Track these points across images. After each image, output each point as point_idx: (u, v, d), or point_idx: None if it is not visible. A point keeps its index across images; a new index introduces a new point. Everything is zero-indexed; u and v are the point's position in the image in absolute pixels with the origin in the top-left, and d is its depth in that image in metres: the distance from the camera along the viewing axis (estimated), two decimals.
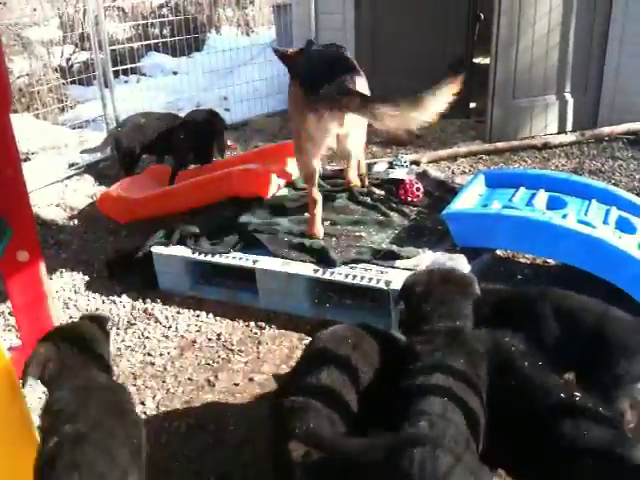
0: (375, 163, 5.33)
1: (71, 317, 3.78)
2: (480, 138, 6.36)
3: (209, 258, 3.91)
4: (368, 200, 4.37)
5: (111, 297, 4.00)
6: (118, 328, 3.68)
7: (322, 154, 3.91)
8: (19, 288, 3.11)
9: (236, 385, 3.17)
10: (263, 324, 3.65)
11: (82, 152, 5.94)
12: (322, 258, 3.67)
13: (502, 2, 5.88)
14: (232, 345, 3.50)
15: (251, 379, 3.21)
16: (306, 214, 4.19)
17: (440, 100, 3.41)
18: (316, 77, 3.68)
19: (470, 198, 3.89)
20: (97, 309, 3.88)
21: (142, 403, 3.07)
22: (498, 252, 4.03)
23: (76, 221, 5.12)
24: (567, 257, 3.47)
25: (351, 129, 3.87)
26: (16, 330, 3.59)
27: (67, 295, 4.05)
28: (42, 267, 3.14)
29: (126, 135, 5.53)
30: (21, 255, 3.06)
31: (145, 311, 3.86)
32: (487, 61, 6.65)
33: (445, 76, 3.39)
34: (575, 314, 2.49)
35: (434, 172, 4.86)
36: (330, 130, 3.72)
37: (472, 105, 7.24)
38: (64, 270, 4.33)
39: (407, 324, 2.59)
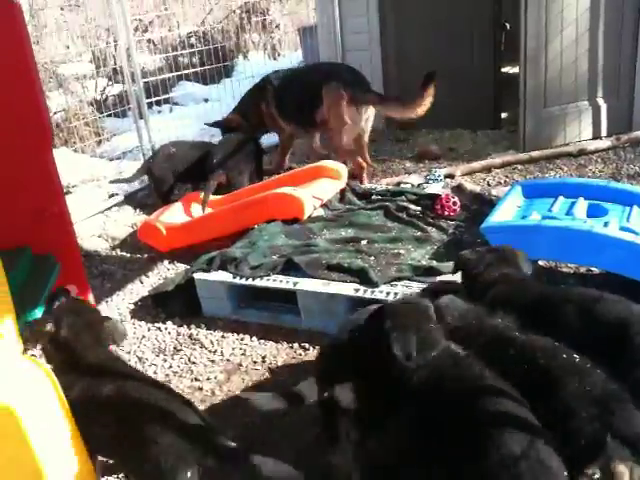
0: (408, 178, 5.34)
1: (118, 346, 3.85)
2: (514, 148, 6.33)
3: (250, 282, 3.95)
4: (404, 216, 4.38)
5: (156, 324, 4.06)
6: (165, 354, 3.74)
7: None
8: None
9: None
10: (307, 345, 3.66)
11: (112, 182, 6.09)
12: (362, 278, 3.68)
13: (528, 11, 5.88)
14: (277, 367, 3.52)
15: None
16: (342, 233, 4.21)
17: (425, 102, 5.34)
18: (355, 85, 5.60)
19: (508, 210, 3.87)
20: (143, 337, 3.95)
21: None
22: (540, 262, 3.99)
23: (118, 251, 5.23)
24: (611, 265, 3.42)
25: (370, 115, 5.76)
26: None
27: None
28: (90, 299, 3.23)
29: (158, 165, 5.69)
30: (69, 289, 3.15)
31: (190, 337, 3.91)
32: (516, 70, 6.64)
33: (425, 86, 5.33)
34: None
35: (470, 185, 4.86)
36: (363, 117, 5.66)
37: (503, 115, 7.23)
38: (109, 300, 4.42)
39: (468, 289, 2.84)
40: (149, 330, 4.04)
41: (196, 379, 3.51)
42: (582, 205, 3.74)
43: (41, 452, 2.39)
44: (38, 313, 2.54)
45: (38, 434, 2.38)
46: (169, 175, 5.73)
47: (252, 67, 8.61)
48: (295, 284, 3.81)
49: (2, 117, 2.14)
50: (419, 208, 4.49)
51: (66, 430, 2.41)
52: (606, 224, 3.46)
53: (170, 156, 5.80)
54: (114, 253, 5.21)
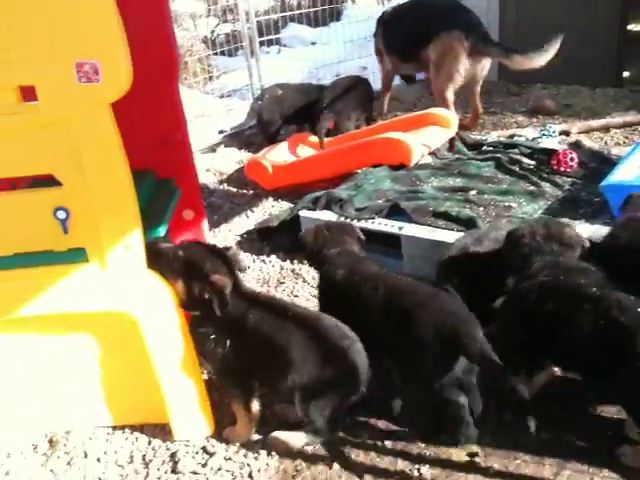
0: (522, 131, 5.16)
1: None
2: (635, 108, 5.96)
3: (354, 223, 3.96)
4: (517, 169, 4.25)
5: (261, 257, 4.18)
6: (269, 285, 3.85)
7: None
8: None
9: None
10: None
11: (230, 129, 6.23)
12: (470, 228, 3.62)
13: None
14: None
15: None
16: (450, 181, 4.14)
17: (548, 57, 5.17)
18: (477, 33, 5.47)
19: (631, 169, 3.68)
20: (248, 267, 4.07)
21: None
22: None
23: (225, 185, 5.38)
24: None
25: (485, 65, 5.67)
26: None
27: None
28: (205, 225, 3.35)
29: (267, 108, 5.79)
30: (187, 214, 3.29)
31: (293, 271, 4.00)
32: None
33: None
34: None
35: (588, 142, 4.64)
36: (478, 68, 5.63)
37: (625, 74, 6.81)
38: (217, 231, 4.58)
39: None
40: (254, 262, 4.16)
41: None
42: None
43: (158, 361, 2.55)
44: (161, 231, 2.66)
45: (156, 344, 2.53)
46: (276, 117, 5.82)
47: (361, 11, 8.46)
48: (400, 229, 3.79)
49: (137, 49, 2.20)
50: (533, 162, 4.34)
51: (182, 342, 2.54)
52: None
53: (277, 98, 5.87)
54: (221, 187, 5.36)
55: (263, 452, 2.59)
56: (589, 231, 3.43)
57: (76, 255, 2.40)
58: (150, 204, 2.81)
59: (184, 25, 8.53)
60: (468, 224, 3.65)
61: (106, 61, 2.11)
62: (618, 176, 3.60)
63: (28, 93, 2.18)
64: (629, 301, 2.28)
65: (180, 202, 3.10)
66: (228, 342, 2.52)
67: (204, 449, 2.64)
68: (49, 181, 2.35)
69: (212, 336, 2.54)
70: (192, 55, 7.48)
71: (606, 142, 5.33)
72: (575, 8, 6.64)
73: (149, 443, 2.72)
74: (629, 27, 7.06)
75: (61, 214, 2.30)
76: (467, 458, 2.45)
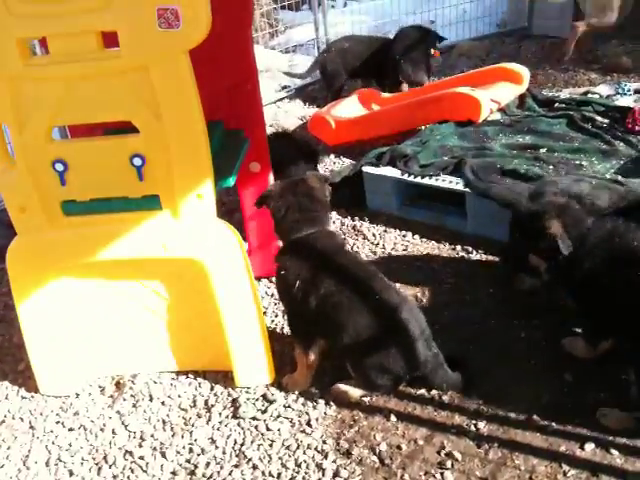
0: (596, 89, 4.97)
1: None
2: None
3: (419, 180, 3.94)
4: (590, 127, 4.12)
5: None
6: None
7: None
8: (250, 197, 3.36)
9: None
10: (470, 248, 3.64)
11: (289, 75, 6.19)
12: None
13: None
14: (437, 264, 3.54)
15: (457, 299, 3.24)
16: (519, 139, 4.06)
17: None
18: None
19: None
20: None
21: None
22: None
23: None
24: None
25: None
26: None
27: None
28: (271, 178, 3.37)
29: (331, 60, 5.73)
30: (254, 166, 3.32)
31: (354, 228, 4.01)
32: None
33: None
34: None
35: None
36: None
37: None
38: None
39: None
40: None
41: None
42: None
43: (225, 309, 2.63)
44: (231, 182, 2.69)
45: (224, 292, 2.60)
46: (341, 70, 5.74)
47: None
48: (465, 185, 3.74)
49: None
50: (607, 120, 4.19)
51: (249, 291, 2.61)
52: None
53: (343, 51, 5.78)
54: None
55: (321, 401, 2.66)
56: None
57: (150, 202, 2.47)
58: (220, 154, 2.83)
59: None
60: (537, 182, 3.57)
61: (186, 7, 2.13)
62: None
63: (109, 40, 2.23)
64: None
65: (248, 154, 3.12)
66: (297, 283, 2.58)
67: (264, 397, 2.73)
68: (120, 130, 2.42)
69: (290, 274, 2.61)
70: (258, 9, 7.44)
71: None
72: None
73: (211, 389, 2.83)
74: None
75: (137, 161, 2.37)
76: (524, 416, 2.46)
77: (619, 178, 3.46)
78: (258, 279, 3.46)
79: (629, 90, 5.03)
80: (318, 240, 2.65)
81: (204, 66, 2.53)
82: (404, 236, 3.88)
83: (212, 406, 2.74)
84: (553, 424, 2.41)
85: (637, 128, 4.04)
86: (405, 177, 3.99)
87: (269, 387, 2.78)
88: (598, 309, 2.48)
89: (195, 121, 2.32)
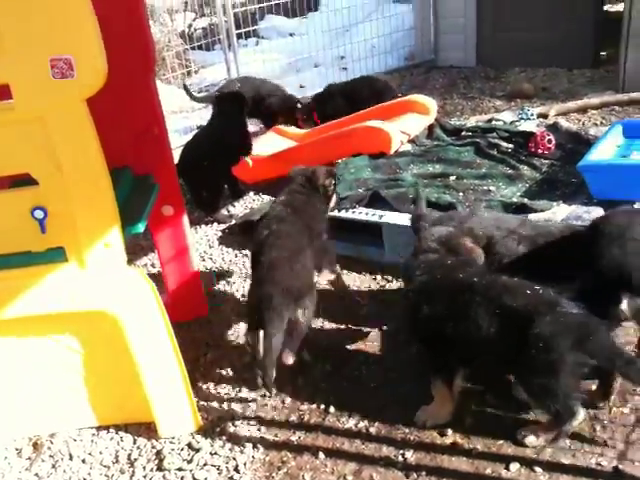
0: (500, 115, 5.18)
1: (206, 268, 4.01)
2: (612, 89, 6.00)
3: (335, 213, 3.97)
4: (495, 153, 4.28)
5: (243, 251, 4.18)
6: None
7: None
8: (165, 241, 3.33)
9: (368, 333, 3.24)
10: (390, 277, 3.68)
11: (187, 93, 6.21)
12: None
13: None
14: (359, 296, 3.56)
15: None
16: (430, 168, 4.16)
17: None
18: None
19: (607, 149, 3.72)
20: (231, 261, 4.08)
21: None
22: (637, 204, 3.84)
23: None
24: None
25: None
26: (157, 281, 3.84)
27: (202, 249, 4.28)
28: (186, 220, 3.34)
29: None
30: (166, 210, 3.27)
31: None
32: (618, 8, 6.25)
33: None
34: None
35: (566, 123, 4.68)
36: None
37: (602, 54, 6.85)
38: (198, 227, 4.57)
39: None
40: (236, 256, 4.17)
41: None
42: None
43: (141, 359, 2.55)
44: (140, 228, 2.64)
45: (139, 341, 2.53)
46: None
47: (339, 0, 8.41)
48: (381, 217, 3.81)
49: (114, 45, 2.21)
50: (511, 145, 4.37)
51: (165, 338, 2.55)
52: None
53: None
54: None
55: (249, 445, 2.60)
56: (567, 212, 3.47)
57: (55, 255, 2.39)
58: (128, 201, 2.79)
59: (161, 20, 8.46)
60: (448, 209, 3.67)
61: (80, 56, 2.11)
62: (595, 156, 3.63)
63: (2, 92, 2.17)
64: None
65: (159, 198, 3.08)
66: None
67: (189, 445, 2.65)
68: (29, 181, 2.34)
69: None
70: (169, 50, 7.43)
71: (584, 123, 5.38)
72: None
73: (134, 442, 2.73)
74: (605, 7, 7.11)
75: (39, 214, 2.29)
76: (450, 441, 2.48)
77: (525, 201, 3.60)
78: (178, 323, 3.39)
79: (532, 115, 5.27)
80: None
81: (107, 113, 2.50)
82: None
83: (135, 460, 2.63)
84: (478, 447, 2.43)
85: (540, 151, 4.22)
86: None
87: (194, 435, 2.70)
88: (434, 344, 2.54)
89: (97, 169, 2.28)
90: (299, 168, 3.43)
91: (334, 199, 3.47)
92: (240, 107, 4.91)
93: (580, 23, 6.66)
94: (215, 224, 4.61)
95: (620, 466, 2.27)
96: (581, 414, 2.35)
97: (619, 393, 2.54)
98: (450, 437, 2.49)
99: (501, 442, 2.43)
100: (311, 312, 2.86)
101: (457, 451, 2.42)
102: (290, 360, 2.75)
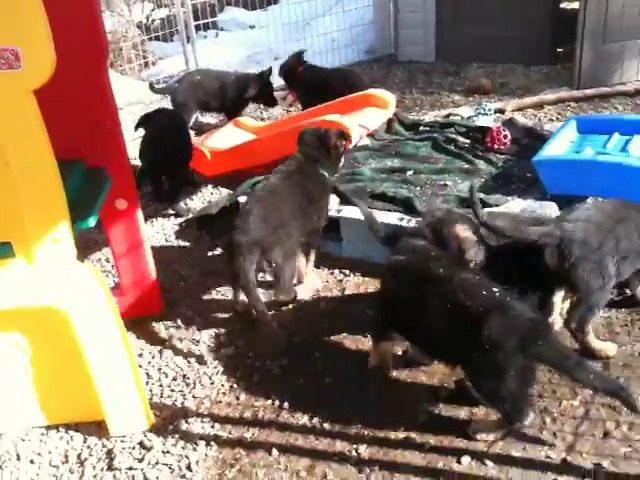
0: (458, 110, 5.22)
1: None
2: (568, 85, 6.10)
3: None
4: (453, 148, 4.31)
5: (202, 245, 4.13)
6: (207, 274, 3.81)
7: None
8: (118, 235, 3.26)
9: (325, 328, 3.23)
10: (347, 271, 3.68)
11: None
12: (407, 208, 3.66)
13: None
14: (317, 291, 3.55)
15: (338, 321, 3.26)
16: (388, 162, 4.16)
17: None
18: None
19: (561, 145, 3.78)
20: (187, 255, 4.03)
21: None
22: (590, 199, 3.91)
23: None
24: None
25: None
26: (112, 276, 3.78)
27: (159, 243, 4.21)
28: (139, 215, 3.27)
29: (182, 91, 5.73)
30: (120, 203, 3.20)
31: None
32: (574, 5, 6.35)
33: None
34: None
35: (521, 119, 4.74)
36: None
37: (558, 51, 6.95)
38: (154, 220, 4.50)
39: None
40: (192, 250, 4.11)
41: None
42: (638, 143, 3.62)
43: (91, 355, 2.50)
44: (91, 222, 2.58)
45: (89, 338, 2.48)
46: (191, 102, 5.73)
47: None
48: (338, 211, 3.80)
49: (64, 36, 2.15)
50: (468, 140, 4.41)
51: (115, 335, 2.50)
52: None
53: (194, 84, 5.78)
54: None
55: (202, 443, 2.58)
56: (521, 206, 3.52)
57: (2, 250, 2.32)
58: (80, 194, 2.73)
59: (118, 10, 8.29)
60: (405, 204, 3.69)
61: (27, 47, 2.05)
62: (549, 151, 3.69)
63: None
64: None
65: (112, 191, 3.01)
66: None
67: (141, 444, 2.61)
68: None
69: None
70: (126, 41, 7.30)
71: (540, 119, 5.46)
72: None
73: (84, 441, 2.67)
74: (562, 5, 7.21)
75: None
76: (403, 436, 2.49)
77: (481, 195, 3.62)
78: (132, 320, 3.34)
79: (490, 110, 5.32)
80: None
81: (59, 104, 2.44)
82: None
83: (85, 460, 2.58)
84: (430, 441, 2.45)
85: (496, 146, 4.26)
86: None
87: (146, 433, 2.66)
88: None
89: (44, 162, 2.22)
90: (311, 129, 3.68)
91: (342, 159, 3.69)
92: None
93: (537, 20, 6.75)
94: (172, 218, 4.54)
95: (569, 458, 2.31)
96: (531, 415, 2.40)
97: (569, 386, 2.59)
98: (403, 432, 2.50)
99: (453, 437, 2.45)
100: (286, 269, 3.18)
101: (410, 445, 2.44)
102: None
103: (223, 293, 3.61)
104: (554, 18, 6.79)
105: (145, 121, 4.74)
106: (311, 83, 5.65)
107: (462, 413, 2.56)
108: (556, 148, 3.72)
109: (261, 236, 3.09)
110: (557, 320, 2.93)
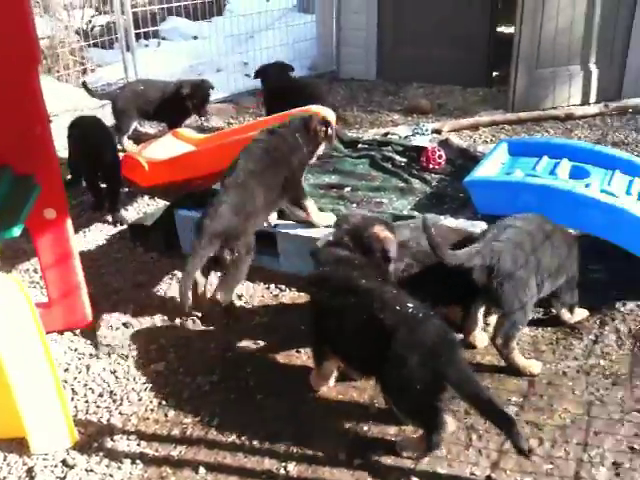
0: (396, 129, 5.31)
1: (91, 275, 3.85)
2: (502, 108, 6.31)
3: None
4: (389, 166, 4.38)
5: (135, 257, 4.05)
6: (140, 286, 3.73)
7: None
8: (46, 246, 3.16)
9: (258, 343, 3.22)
10: (283, 286, 3.68)
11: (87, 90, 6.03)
12: None
13: None
14: (252, 306, 3.53)
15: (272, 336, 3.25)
16: (326, 179, 4.19)
17: None
18: None
19: (493, 166, 3.88)
20: (120, 266, 3.94)
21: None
22: None
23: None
24: (589, 226, 3.45)
25: None
26: (40, 287, 3.66)
27: (90, 254, 4.10)
28: (69, 225, 3.18)
29: (123, 98, 5.71)
30: (48, 213, 3.10)
31: (168, 272, 3.90)
32: (510, 30, 6.58)
33: None
34: None
35: (456, 140, 4.85)
36: None
37: (495, 74, 7.18)
38: (87, 230, 4.39)
39: None
40: (126, 261, 4.02)
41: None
42: (566, 166, 3.75)
43: (12, 371, 2.41)
44: (16, 232, 2.50)
45: (10, 351, 2.39)
46: (132, 111, 5.70)
47: (244, 7, 8.38)
48: (275, 226, 3.80)
49: None
50: (404, 159, 4.49)
51: (37, 347, 2.42)
52: (587, 186, 3.49)
53: (136, 93, 5.75)
54: None
55: (127, 461, 2.51)
56: (453, 225, 3.59)
57: None
58: (6, 202, 2.65)
59: (57, 15, 8.10)
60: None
61: None
62: (480, 172, 3.78)
63: None
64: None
65: (40, 200, 2.93)
66: None
67: (64, 462, 2.53)
68: None
69: None
70: (64, 47, 7.13)
71: (474, 140, 5.61)
72: (449, 10, 6.95)
73: (4, 459, 2.57)
74: (499, 29, 7.46)
75: None
76: (332, 453, 2.49)
77: (415, 214, 3.69)
78: (60, 333, 3.24)
79: (427, 130, 5.44)
80: None
81: None
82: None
83: (4, 478, 2.48)
84: (359, 459, 2.46)
85: (431, 166, 4.35)
86: None
87: (69, 451, 2.57)
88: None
89: None
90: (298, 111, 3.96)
91: (322, 147, 3.72)
92: None
93: (475, 43, 6.97)
94: (105, 229, 4.44)
95: (493, 475, 2.36)
96: (449, 426, 2.44)
97: None
98: (332, 449, 2.50)
99: (381, 454, 2.47)
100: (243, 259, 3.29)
101: (339, 463, 2.44)
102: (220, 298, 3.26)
103: (156, 305, 3.54)
104: (491, 42, 7.03)
105: (70, 128, 4.75)
106: (274, 91, 5.73)
107: (391, 430, 2.58)
108: (487, 169, 3.82)
109: (228, 226, 3.22)
110: (479, 336, 3.03)
